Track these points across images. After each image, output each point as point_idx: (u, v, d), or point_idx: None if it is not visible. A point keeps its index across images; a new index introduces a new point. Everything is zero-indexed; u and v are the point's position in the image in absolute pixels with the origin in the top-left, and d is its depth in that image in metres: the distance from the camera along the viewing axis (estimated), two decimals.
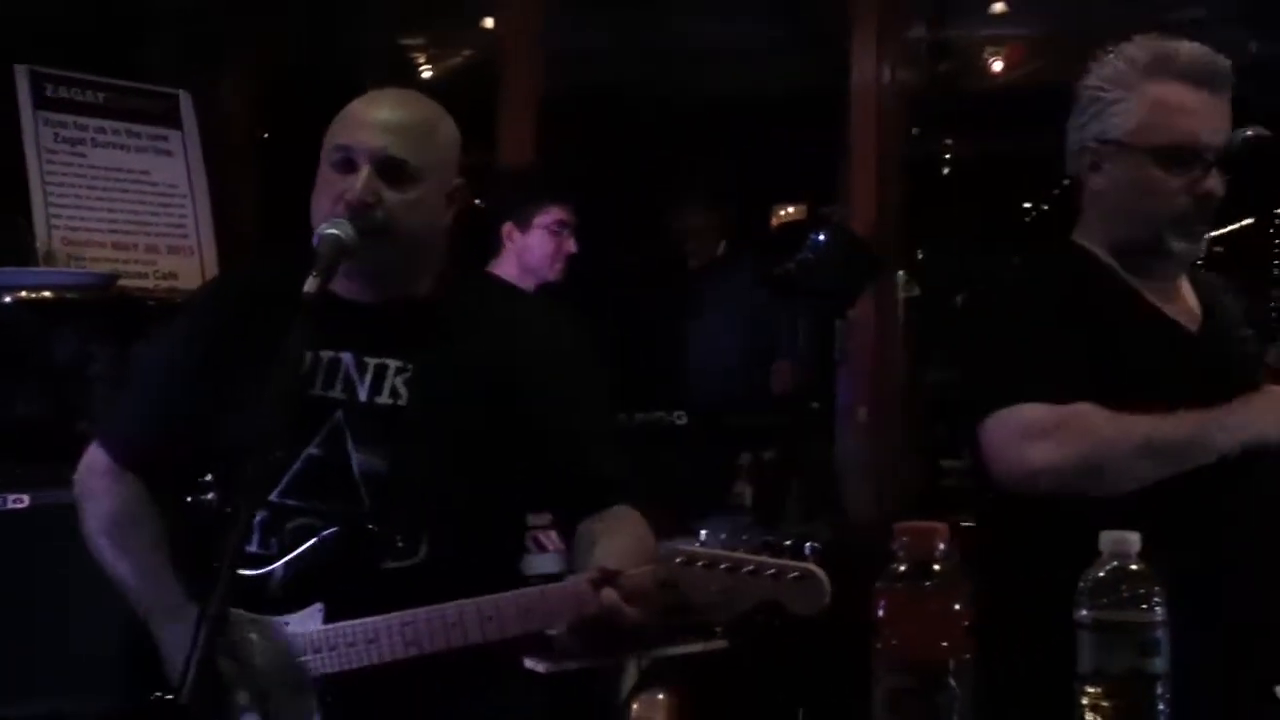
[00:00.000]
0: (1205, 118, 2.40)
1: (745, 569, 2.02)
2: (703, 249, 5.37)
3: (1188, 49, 2.43)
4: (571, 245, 4.36)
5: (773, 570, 2.00)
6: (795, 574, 1.99)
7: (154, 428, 2.58)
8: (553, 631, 2.40)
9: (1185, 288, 2.54)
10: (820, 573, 1.99)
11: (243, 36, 5.44)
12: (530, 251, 4.35)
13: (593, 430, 2.52)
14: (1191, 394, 2.34)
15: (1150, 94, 2.41)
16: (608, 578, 2.16)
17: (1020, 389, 2.39)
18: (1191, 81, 2.40)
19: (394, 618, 2.28)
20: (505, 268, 4.32)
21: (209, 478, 2.63)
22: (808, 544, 2.06)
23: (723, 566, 2.03)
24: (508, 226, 4.37)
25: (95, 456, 2.62)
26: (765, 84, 7.47)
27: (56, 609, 3.34)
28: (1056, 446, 2.31)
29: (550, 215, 4.34)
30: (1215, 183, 2.40)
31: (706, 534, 2.13)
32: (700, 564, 2.06)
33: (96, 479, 2.60)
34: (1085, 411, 2.32)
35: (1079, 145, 2.50)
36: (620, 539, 2.35)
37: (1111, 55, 2.48)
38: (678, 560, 2.08)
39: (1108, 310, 2.45)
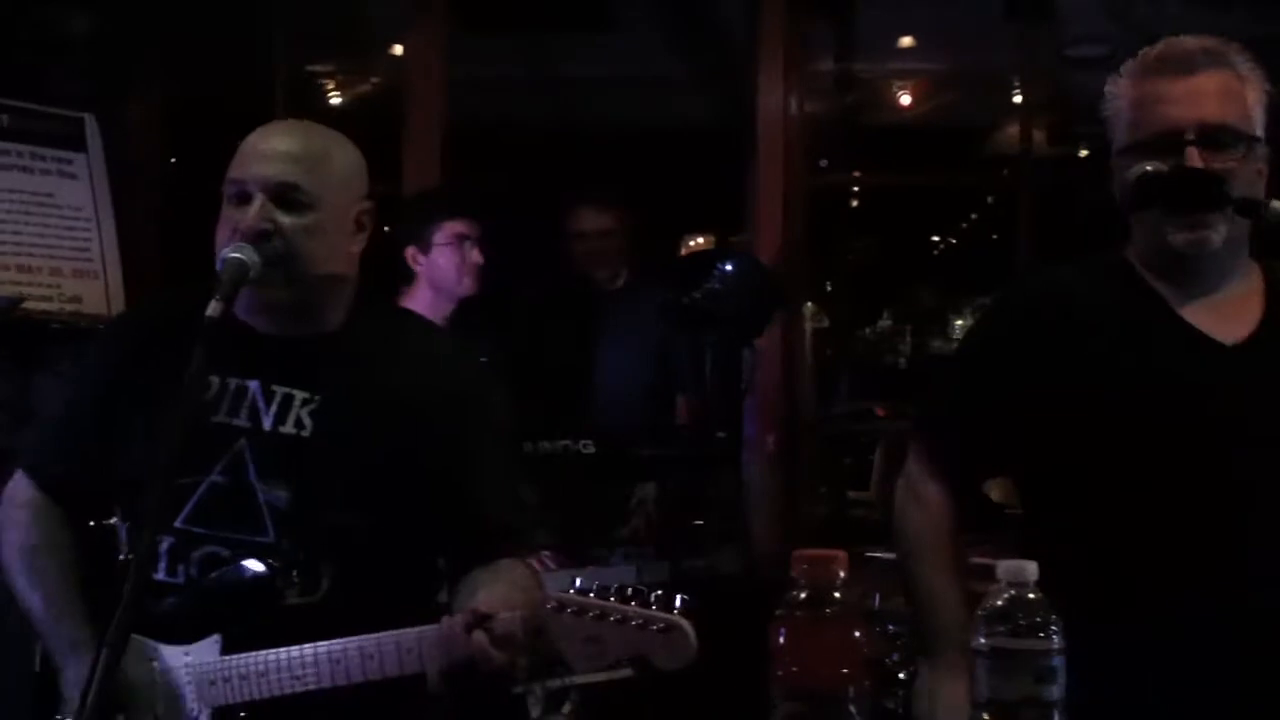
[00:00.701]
0: (1181, 101, 2.36)
1: (612, 618, 1.98)
2: (603, 258, 5.35)
3: (1162, 43, 2.42)
4: (476, 256, 4.36)
5: (638, 621, 1.96)
6: (660, 625, 1.95)
7: (69, 457, 2.59)
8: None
9: (1243, 297, 2.47)
10: (686, 625, 1.95)
11: (150, 60, 5.40)
12: (436, 270, 4.35)
13: (490, 479, 2.53)
14: (1218, 408, 2.36)
15: (1134, 95, 2.41)
16: (479, 620, 2.17)
17: (920, 417, 2.59)
18: (1167, 73, 2.38)
19: (284, 652, 2.28)
20: (419, 294, 4.32)
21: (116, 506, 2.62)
22: (678, 596, 1.98)
23: (590, 615, 1.99)
24: (411, 251, 4.37)
25: (18, 484, 2.63)
26: (673, 115, 7.51)
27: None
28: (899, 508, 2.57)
29: (448, 230, 4.34)
30: (1194, 159, 2.32)
31: (582, 580, 2.06)
32: (570, 610, 2.01)
33: (16, 509, 2.61)
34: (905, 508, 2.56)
35: (1109, 169, 2.49)
36: (500, 586, 2.37)
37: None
38: (549, 605, 2.04)
39: (1120, 316, 2.45)
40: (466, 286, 4.33)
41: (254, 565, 2.39)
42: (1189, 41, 2.41)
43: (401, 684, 2.28)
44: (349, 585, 2.40)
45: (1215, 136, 2.34)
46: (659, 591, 1.98)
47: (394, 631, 2.24)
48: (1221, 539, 2.33)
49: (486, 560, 2.45)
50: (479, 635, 2.15)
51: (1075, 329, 2.45)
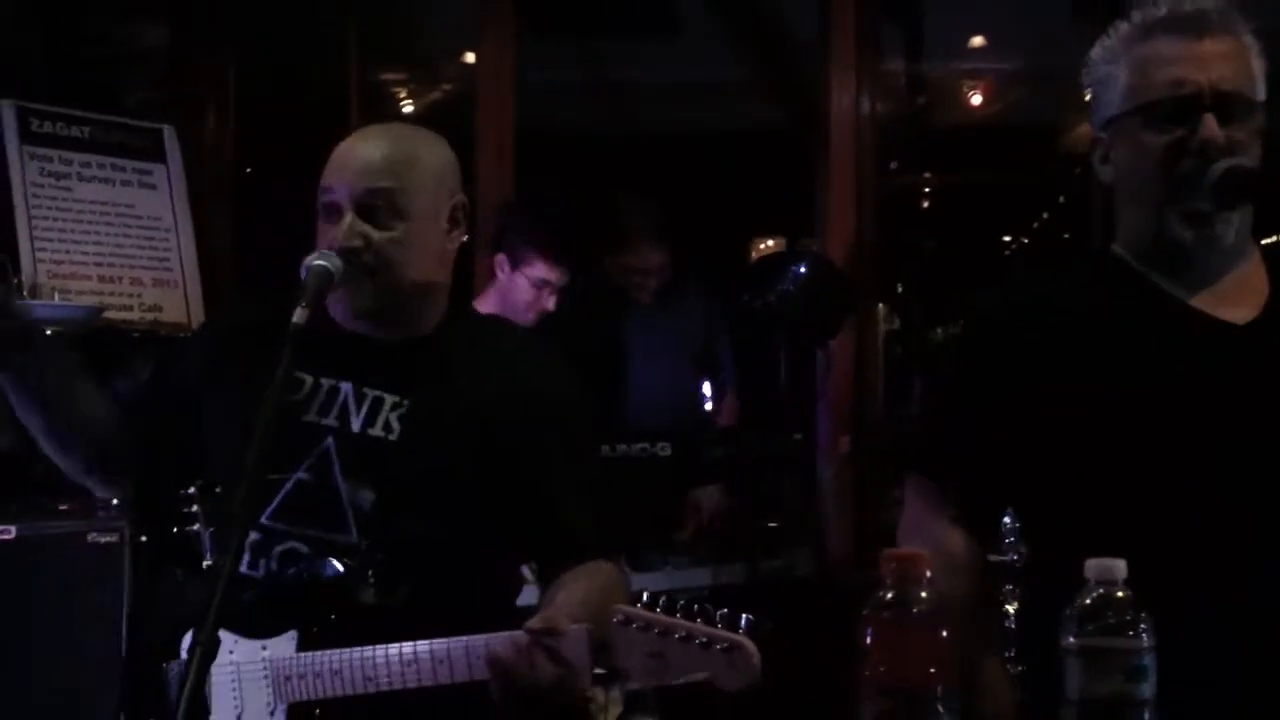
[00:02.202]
0: (1193, 62, 2.17)
1: (677, 635, 1.94)
2: (647, 289, 5.39)
3: (1173, 4, 2.24)
4: (550, 305, 4.38)
5: (703, 639, 1.92)
6: (724, 645, 1.90)
7: (151, 434, 2.62)
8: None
9: (1245, 278, 2.28)
10: (750, 645, 1.90)
11: (225, 71, 5.45)
12: (513, 291, 4.38)
13: (577, 483, 2.52)
14: (1232, 390, 2.18)
15: (1134, 56, 2.23)
16: (542, 634, 2.14)
17: (914, 456, 2.46)
18: (1176, 32, 2.20)
19: (358, 652, 2.28)
20: (489, 298, 4.33)
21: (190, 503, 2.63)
22: (744, 615, 1.94)
23: (656, 631, 1.96)
24: (500, 258, 4.40)
25: None
26: (740, 119, 7.51)
27: (48, 639, 3.33)
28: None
29: (537, 270, 4.37)
30: (1214, 130, 2.15)
31: (649, 592, 2.03)
32: (636, 625, 1.98)
33: None
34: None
35: (1092, 139, 2.33)
36: (579, 589, 2.35)
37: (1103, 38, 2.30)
38: (615, 620, 2.01)
39: (1118, 315, 2.26)
40: (528, 321, 4.34)
41: (333, 563, 2.41)
42: (1200, 2, 2.22)
43: (470, 690, 2.30)
44: (427, 589, 2.41)
45: (1229, 104, 2.17)
46: (724, 610, 1.94)
47: (465, 637, 2.23)
48: (1240, 530, 2.15)
49: (574, 562, 2.44)
50: (537, 651, 2.13)
51: (1059, 332, 2.26)
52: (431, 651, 2.22)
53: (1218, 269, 2.26)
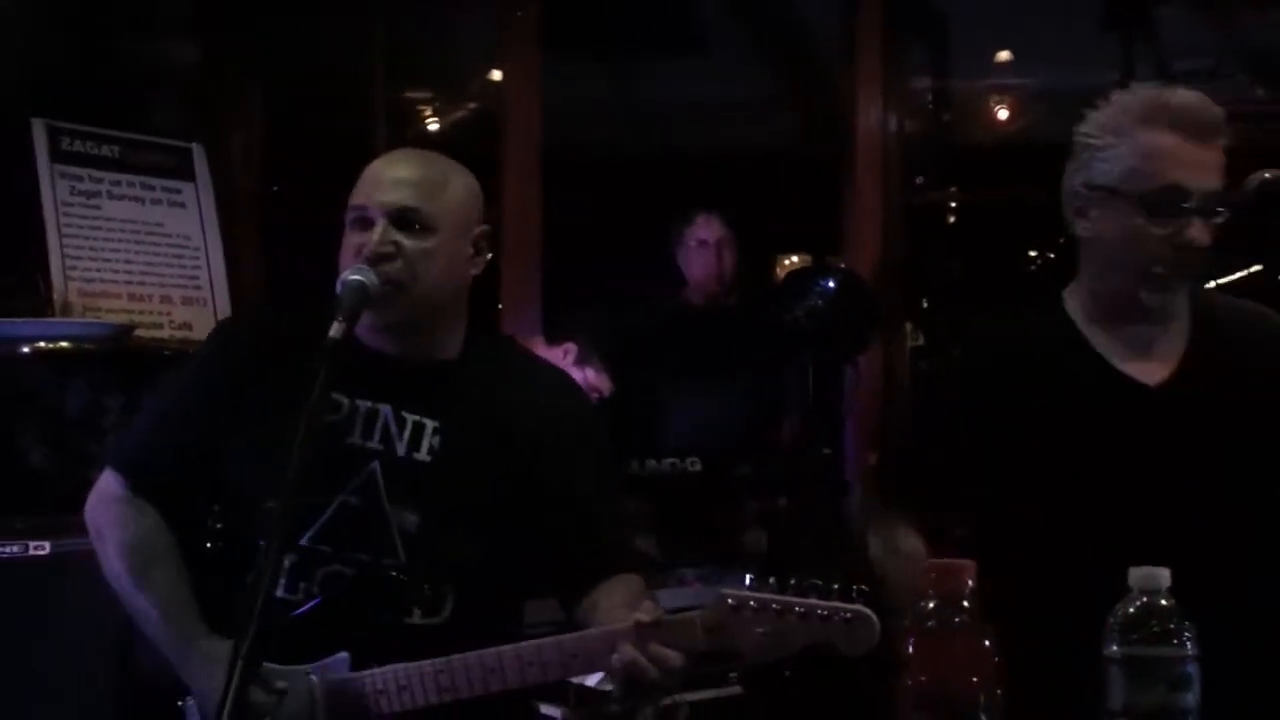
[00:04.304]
0: (1194, 167, 2.39)
1: (795, 611, 2.04)
2: (719, 267, 5.38)
3: (1181, 97, 2.43)
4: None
5: (824, 612, 2.03)
6: (847, 615, 2.01)
7: (170, 457, 2.57)
8: (589, 679, 2.42)
9: (1173, 337, 2.53)
10: (871, 614, 2.01)
11: (252, 89, 5.47)
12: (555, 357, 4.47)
13: (601, 501, 2.58)
14: (1141, 450, 2.43)
15: (1140, 141, 2.41)
16: (656, 624, 2.20)
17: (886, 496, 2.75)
18: (1182, 131, 2.40)
19: (426, 665, 2.30)
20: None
21: (218, 520, 2.61)
22: (854, 586, 2.06)
23: (773, 609, 2.06)
24: (571, 345, 4.55)
25: (108, 483, 2.61)
26: (766, 136, 7.51)
27: (80, 654, 3.33)
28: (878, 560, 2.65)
29: (599, 380, 4.50)
30: (1199, 232, 2.39)
31: (751, 578, 2.13)
32: (749, 607, 2.08)
33: (109, 506, 2.58)
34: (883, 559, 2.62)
35: (1070, 191, 2.51)
36: (630, 601, 2.39)
37: (1106, 102, 2.48)
38: (728, 603, 2.10)
39: (1055, 376, 2.51)
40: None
41: (382, 583, 2.43)
42: (1202, 104, 2.43)
43: (513, 702, 2.31)
44: (471, 607, 2.46)
45: (1213, 209, 2.40)
46: (835, 585, 2.04)
47: (553, 637, 2.28)
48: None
49: (603, 579, 2.48)
50: (653, 642, 2.18)
51: (1007, 388, 2.53)
52: (519, 654, 2.25)
53: (1152, 330, 2.51)
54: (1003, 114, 7.07)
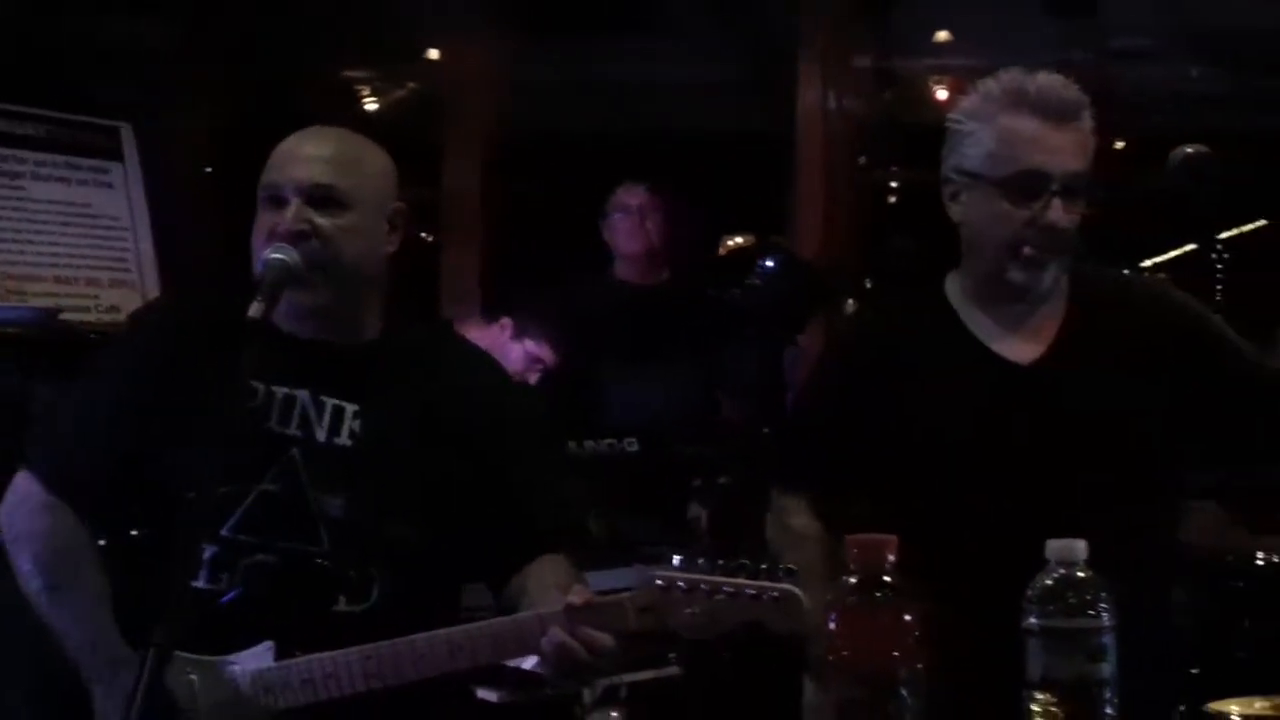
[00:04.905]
0: (1053, 150, 2.44)
1: (725, 591, 2.05)
2: (640, 234, 5.32)
3: (1040, 81, 2.47)
4: (533, 380, 4.46)
5: (753, 592, 2.04)
6: (775, 595, 2.03)
7: (93, 456, 2.50)
8: (525, 661, 2.40)
9: (1048, 316, 2.57)
10: (799, 592, 2.02)
11: (188, 70, 5.43)
12: (503, 356, 4.40)
13: (536, 481, 2.55)
14: (1014, 428, 2.49)
15: (1000, 125, 2.46)
16: (588, 607, 2.19)
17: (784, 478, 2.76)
18: (1041, 115, 2.44)
19: (354, 652, 2.27)
20: (475, 338, 4.32)
21: (141, 514, 2.53)
22: (782, 565, 2.07)
23: (702, 588, 2.07)
24: (507, 319, 4.49)
25: (25, 486, 2.51)
26: (714, 117, 7.50)
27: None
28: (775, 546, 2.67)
29: (542, 350, 4.45)
30: (1059, 214, 2.43)
31: (680, 558, 2.14)
32: (679, 588, 2.09)
33: (26, 512, 2.49)
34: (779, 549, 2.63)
35: (944, 177, 2.57)
36: (558, 582, 2.37)
37: (974, 89, 2.54)
38: (657, 584, 2.10)
39: (932, 357, 2.57)
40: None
41: (307, 571, 2.39)
42: (1059, 88, 2.48)
43: (449, 687, 2.29)
44: (399, 593, 2.42)
45: (1074, 187, 2.45)
46: (764, 565, 2.06)
47: (483, 621, 2.28)
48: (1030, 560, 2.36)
49: (531, 561, 2.45)
50: (583, 626, 2.18)
51: (889, 371, 2.59)
52: (449, 639, 2.24)
53: (1028, 310, 2.55)
54: (943, 94, 7.09)
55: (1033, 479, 2.46)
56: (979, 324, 2.57)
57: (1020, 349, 2.55)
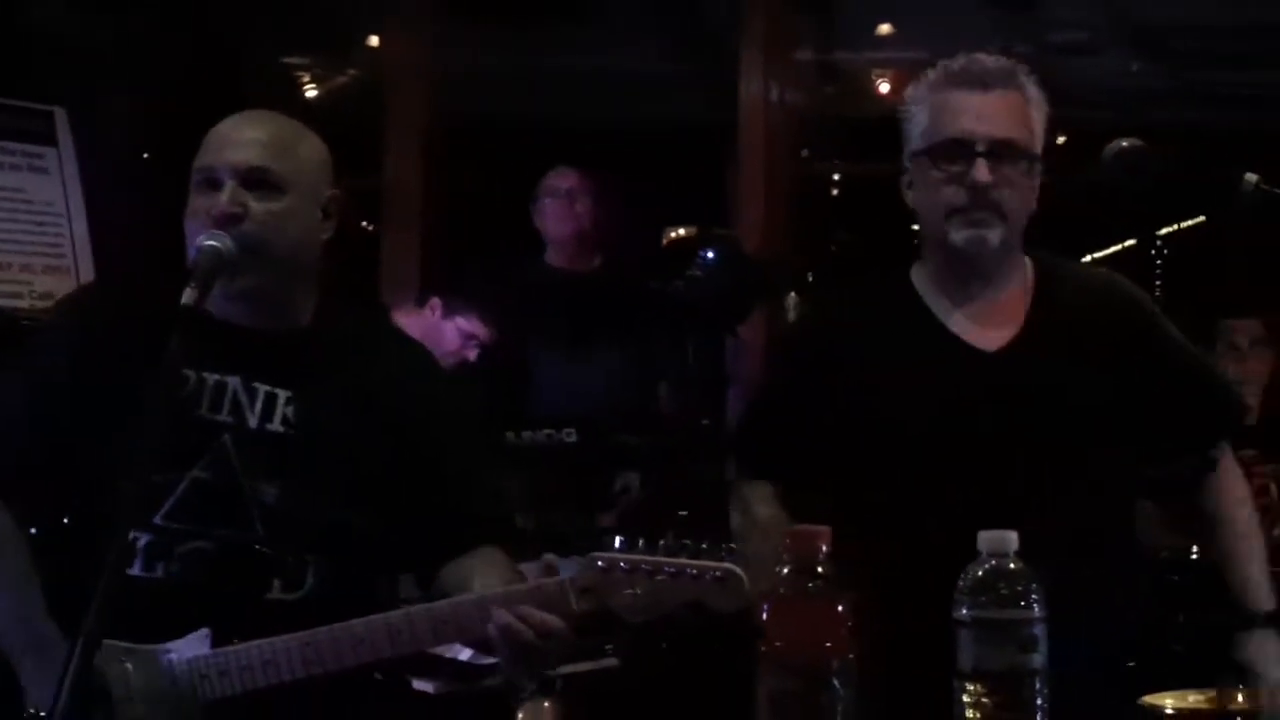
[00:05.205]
0: (977, 115, 2.50)
1: (666, 571, 2.07)
2: (570, 217, 5.30)
3: (966, 58, 2.56)
4: (472, 356, 4.42)
5: (694, 571, 2.06)
6: (717, 574, 2.06)
7: (14, 442, 2.47)
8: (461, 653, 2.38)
9: (1011, 299, 2.60)
10: (740, 571, 2.05)
11: (124, 53, 5.37)
12: (438, 336, 4.38)
13: (467, 469, 2.56)
14: (979, 413, 2.52)
15: (932, 102, 2.55)
16: (530, 591, 2.21)
17: (746, 464, 2.81)
18: (966, 84, 2.53)
19: (291, 638, 2.27)
20: (410, 323, 4.28)
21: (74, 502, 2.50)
22: (724, 545, 2.10)
23: (643, 569, 2.09)
24: (435, 300, 4.44)
25: None
26: (656, 108, 7.50)
27: None
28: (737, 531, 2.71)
29: (472, 325, 4.40)
30: (982, 173, 2.47)
31: (622, 539, 2.15)
32: (620, 568, 2.11)
33: None
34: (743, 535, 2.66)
35: (902, 168, 2.63)
36: (496, 575, 2.38)
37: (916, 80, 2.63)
38: (598, 565, 2.12)
39: (893, 339, 2.60)
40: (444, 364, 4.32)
41: (241, 557, 2.38)
42: (987, 60, 2.56)
43: (385, 677, 2.28)
44: (335, 580, 2.41)
45: (1002, 151, 2.49)
46: (705, 545, 2.08)
47: (422, 605, 2.29)
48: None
49: (464, 550, 2.45)
50: (527, 608, 2.18)
51: (850, 353, 2.62)
52: (387, 623, 2.24)
53: (988, 280, 2.58)
54: (885, 87, 7.11)
55: (997, 465, 2.48)
56: (944, 311, 2.60)
57: (986, 336, 2.58)
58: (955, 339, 2.58)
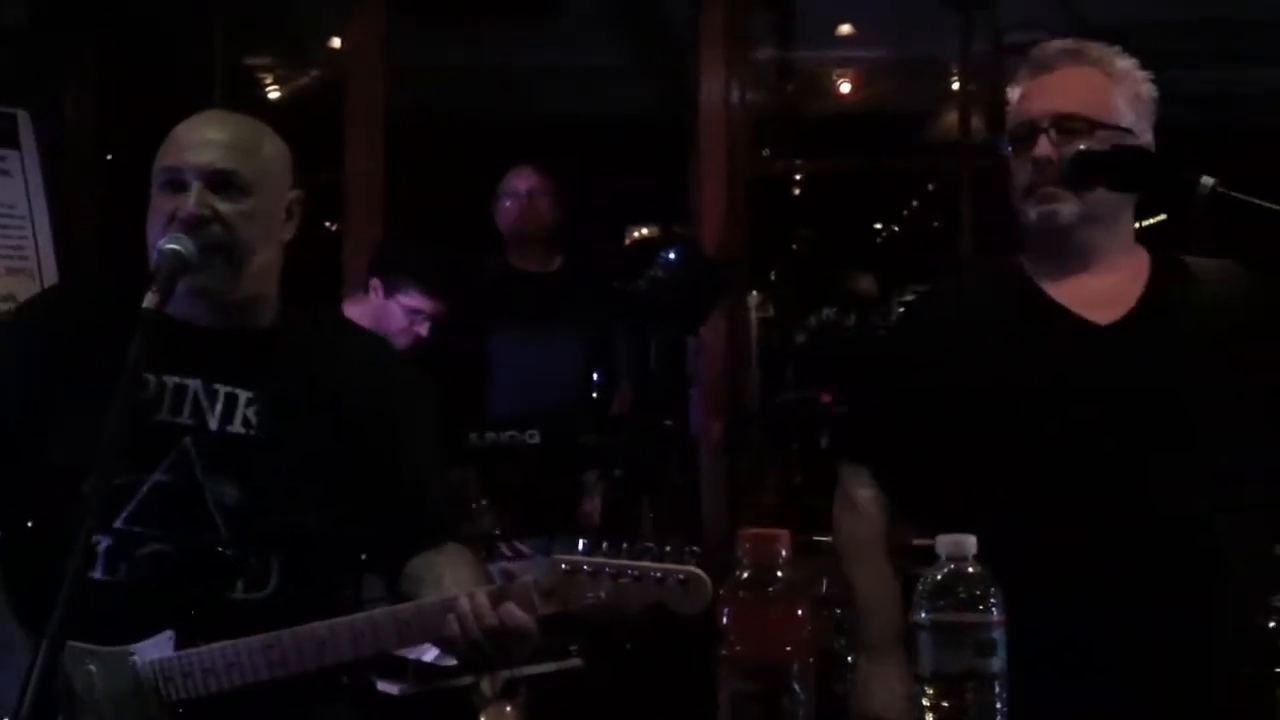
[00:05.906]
0: (1040, 95, 2.56)
1: (630, 574, 2.10)
2: (533, 217, 5.30)
3: (1037, 45, 2.63)
4: (423, 331, 4.38)
5: (658, 574, 2.09)
6: (680, 577, 2.08)
7: None
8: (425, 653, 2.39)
9: (1122, 281, 2.59)
10: (703, 574, 2.07)
11: (86, 54, 5.34)
12: (386, 317, 4.36)
13: (428, 470, 2.58)
14: (1093, 388, 2.48)
15: (1014, 93, 2.62)
16: (495, 593, 2.22)
17: (845, 447, 2.84)
18: (1031, 72, 2.60)
19: (255, 640, 2.28)
20: (361, 316, 4.28)
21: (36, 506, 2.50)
22: (689, 548, 2.12)
23: (606, 572, 2.11)
24: (374, 281, 4.40)
25: None
26: (615, 105, 7.50)
27: None
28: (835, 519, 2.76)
29: (412, 299, 4.36)
30: (1044, 148, 2.50)
31: (585, 543, 2.20)
32: (584, 571, 2.13)
33: None
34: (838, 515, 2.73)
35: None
36: (465, 571, 2.42)
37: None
38: (562, 568, 2.14)
39: (1004, 317, 2.61)
40: (402, 345, 4.30)
41: (204, 559, 2.38)
42: (1054, 44, 2.61)
43: (349, 678, 2.29)
44: (298, 580, 2.42)
45: (1066, 124, 2.51)
46: (668, 547, 2.11)
47: (387, 608, 2.30)
48: (1112, 519, 2.42)
49: (430, 546, 2.47)
50: (507, 606, 2.20)
51: (967, 337, 2.61)
52: (351, 625, 2.25)
53: (1085, 258, 2.56)
54: (845, 86, 7.13)
55: (1106, 441, 2.46)
56: (1056, 292, 2.59)
57: (1096, 313, 2.55)
58: (1066, 311, 2.56)
